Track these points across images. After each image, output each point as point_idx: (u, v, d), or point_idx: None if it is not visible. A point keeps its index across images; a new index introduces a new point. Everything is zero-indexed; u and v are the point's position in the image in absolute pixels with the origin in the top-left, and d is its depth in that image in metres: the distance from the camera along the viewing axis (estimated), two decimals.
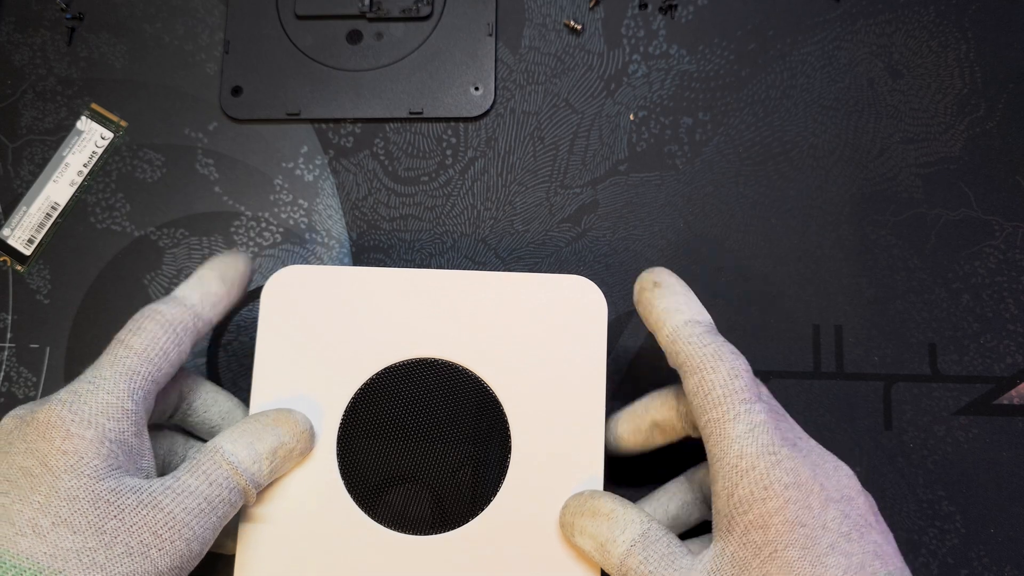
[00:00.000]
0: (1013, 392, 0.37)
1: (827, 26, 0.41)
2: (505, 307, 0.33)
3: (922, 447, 0.37)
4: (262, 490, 0.31)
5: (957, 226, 0.39)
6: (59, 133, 0.41)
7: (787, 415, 0.30)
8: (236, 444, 0.30)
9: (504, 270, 0.39)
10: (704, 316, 0.31)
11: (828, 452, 0.29)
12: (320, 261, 0.39)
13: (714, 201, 0.40)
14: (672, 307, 0.31)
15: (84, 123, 0.41)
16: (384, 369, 0.33)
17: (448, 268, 0.39)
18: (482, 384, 0.33)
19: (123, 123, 0.41)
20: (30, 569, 0.25)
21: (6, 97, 0.41)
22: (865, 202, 0.39)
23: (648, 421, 0.33)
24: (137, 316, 0.30)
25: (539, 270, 0.39)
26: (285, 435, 0.31)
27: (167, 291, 0.39)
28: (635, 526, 0.29)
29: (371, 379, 0.33)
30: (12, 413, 0.29)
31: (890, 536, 0.28)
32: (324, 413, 0.33)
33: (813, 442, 0.29)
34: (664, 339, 0.30)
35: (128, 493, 0.27)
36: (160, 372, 0.30)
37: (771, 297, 0.39)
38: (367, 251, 0.40)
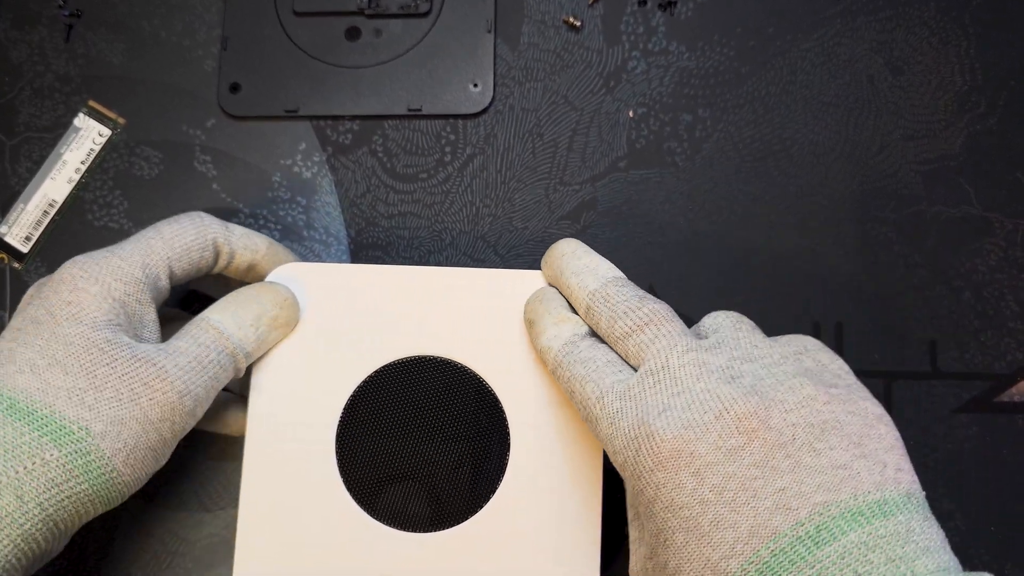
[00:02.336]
0: (1013, 389, 0.37)
1: (827, 23, 0.41)
2: (503, 304, 0.33)
3: (922, 444, 0.37)
4: (253, 362, 0.33)
5: (958, 223, 0.39)
6: (57, 130, 0.41)
7: (673, 346, 0.28)
8: (222, 313, 0.31)
9: (503, 267, 0.39)
10: (567, 332, 0.31)
11: (728, 385, 0.26)
12: (318, 258, 0.39)
13: (714, 198, 0.39)
14: (544, 344, 0.31)
15: (82, 120, 0.41)
16: (383, 367, 0.33)
17: (447, 265, 0.39)
18: (481, 381, 0.33)
19: (121, 120, 0.41)
20: (23, 401, 0.27)
21: (3, 94, 0.41)
22: (865, 199, 0.39)
23: None
24: (182, 214, 0.33)
25: (538, 268, 0.39)
26: (267, 303, 0.32)
27: None
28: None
29: (370, 377, 0.33)
30: (40, 280, 0.31)
31: (835, 449, 0.24)
32: (323, 410, 0.33)
33: (703, 386, 0.26)
34: (552, 372, 0.31)
35: (122, 346, 0.29)
36: (178, 263, 0.32)
37: (771, 294, 0.38)
38: (366, 248, 0.39)
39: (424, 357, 0.33)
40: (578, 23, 0.41)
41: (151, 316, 0.31)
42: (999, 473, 0.37)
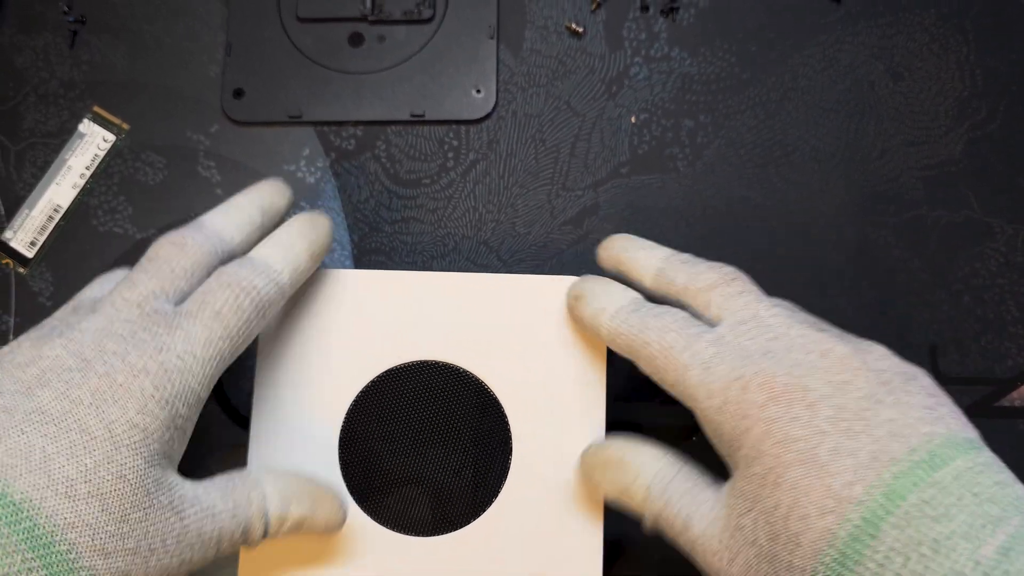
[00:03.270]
0: (1014, 394, 0.37)
1: (828, 28, 0.41)
2: (506, 309, 0.34)
3: None
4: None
5: (958, 228, 0.39)
6: (61, 136, 0.41)
7: (759, 299, 0.29)
8: (274, 488, 0.29)
9: (506, 272, 0.39)
10: (624, 298, 0.31)
11: (821, 333, 0.27)
12: (321, 264, 0.40)
13: (715, 203, 0.40)
14: (597, 308, 0.31)
15: (86, 126, 0.41)
16: (385, 372, 0.33)
17: (450, 271, 0.39)
18: (483, 386, 0.33)
19: (125, 126, 0.41)
20: (45, 528, 0.23)
21: (8, 100, 0.41)
22: (866, 204, 0.39)
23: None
24: (225, 277, 0.28)
25: (541, 272, 0.39)
26: (320, 511, 0.30)
27: None
28: (648, 468, 0.29)
29: (372, 382, 0.33)
30: (110, 311, 0.27)
31: (919, 394, 0.26)
32: (326, 415, 0.33)
33: (798, 332, 0.27)
34: (607, 340, 0.30)
35: (165, 490, 0.26)
36: (237, 355, 0.29)
37: None
38: (369, 253, 0.40)
39: (426, 362, 0.33)
40: (580, 29, 0.41)
41: (191, 427, 0.28)
42: None
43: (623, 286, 0.32)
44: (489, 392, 0.33)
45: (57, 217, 0.40)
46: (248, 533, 0.28)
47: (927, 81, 0.40)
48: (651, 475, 0.29)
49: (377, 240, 0.40)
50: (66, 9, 0.42)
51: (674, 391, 0.29)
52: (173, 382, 0.26)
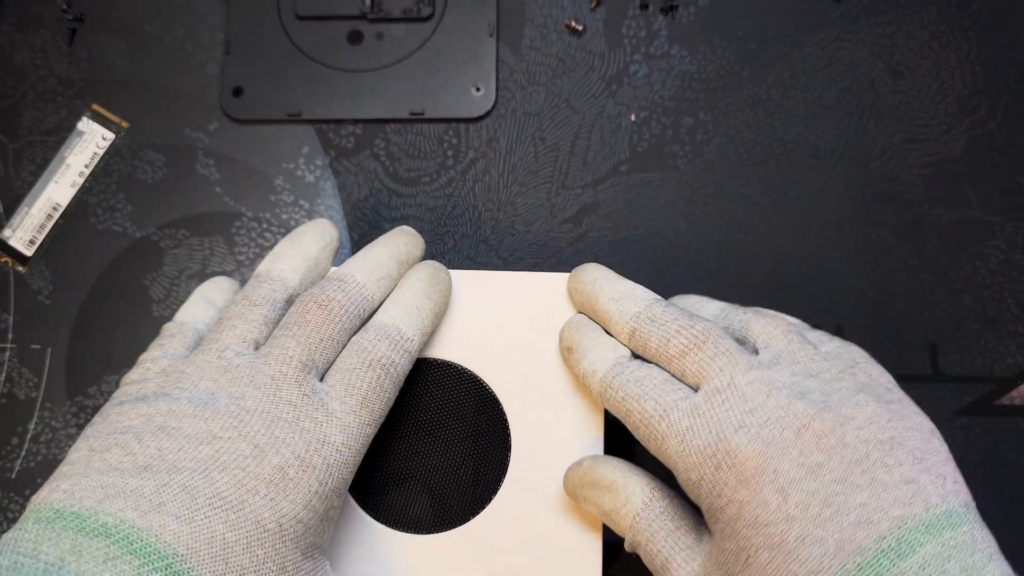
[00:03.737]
0: (1014, 393, 0.37)
1: (828, 26, 0.41)
2: (505, 306, 0.33)
3: None
4: None
5: (958, 226, 0.39)
6: (60, 134, 0.41)
7: (735, 362, 0.28)
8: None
9: (505, 270, 0.39)
10: (612, 356, 0.30)
11: (800, 402, 0.26)
12: None
13: (715, 201, 0.40)
14: (587, 370, 0.30)
15: (85, 124, 0.41)
16: None
17: (449, 269, 0.39)
18: (482, 383, 0.33)
19: (124, 124, 0.41)
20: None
21: (7, 98, 0.41)
22: (866, 202, 0.39)
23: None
24: (367, 355, 0.29)
25: (541, 271, 0.39)
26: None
27: (167, 292, 0.39)
28: (636, 498, 0.29)
29: None
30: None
31: (903, 464, 0.25)
32: None
33: (775, 402, 0.26)
34: (597, 396, 0.30)
35: None
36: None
37: (772, 298, 0.39)
38: None
39: (425, 359, 0.33)
40: (580, 27, 0.41)
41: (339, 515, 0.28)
42: (1001, 476, 0.37)
43: (611, 340, 0.31)
44: (488, 389, 0.33)
45: (56, 215, 0.40)
46: None
47: (927, 79, 0.40)
48: (639, 505, 0.28)
49: (376, 238, 0.40)
50: (65, 7, 0.42)
51: (657, 457, 0.28)
52: (333, 477, 0.26)
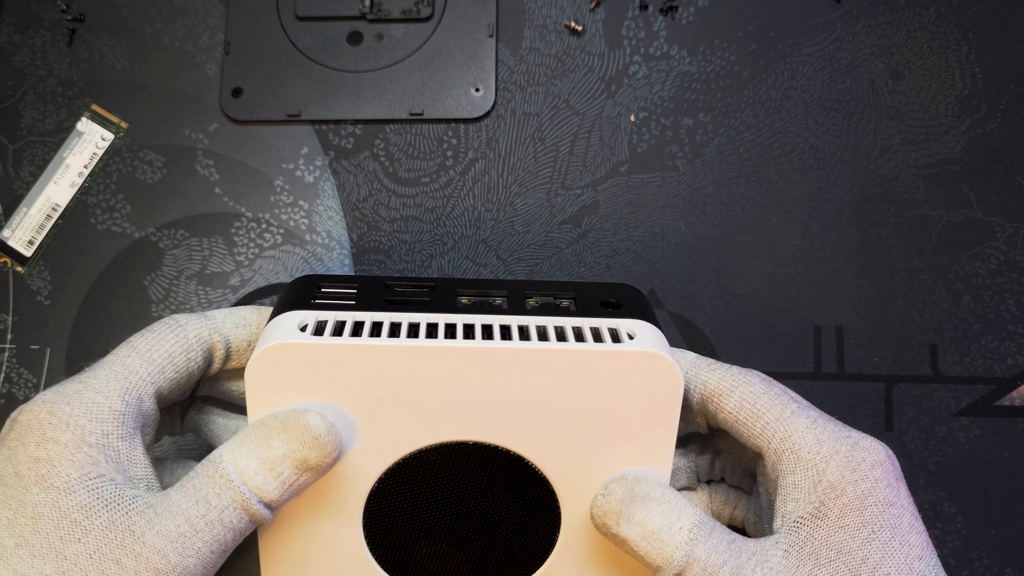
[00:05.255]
0: (1014, 393, 0.37)
1: (828, 27, 0.41)
2: (553, 384, 0.27)
3: (923, 448, 0.37)
4: (279, 515, 0.28)
5: (958, 227, 0.39)
6: (59, 134, 0.41)
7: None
8: (235, 452, 0.26)
9: (505, 271, 0.39)
10: (695, 356, 0.30)
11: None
12: (320, 262, 0.39)
13: (715, 202, 0.40)
14: (679, 353, 0.30)
15: (84, 124, 0.41)
16: (406, 457, 0.28)
17: (449, 269, 0.39)
18: (529, 465, 0.29)
19: (123, 124, 0.41)
20: None
21: (7, 98, 0.41)
22: (866, 203, 0.39)
23: None
24: (156, 323, 0.28)
25: (540, 271, 0.39)
26: (294, 441, 0.26)
27: (166, 293, 0.39)
28: (691, 511, 0.27)
29: (392, 468, 0.28)
30: (12, 414, 0.26)
31: None
32: (344, 505, 0.29)
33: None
34: (685, 373, 0.29)
35: (100, 510, 0.24)
36: (163, 376, 0.27)
37: (772, 298, 0.39)
38: (367, 252, 0.40)
39: (457, 444, 0.28)
40: (579, 28, 0.41)
41: (139, 450, 0.26)
42: (1000, 476, 0.37)
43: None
44: (536, 471, 0.29)
45: (55, 216, 0.40)
46: (230, 509, 0.25)
47: (927, 80, 0.40)
48: (697, 515, 0.26)
49: (376, 239, 0.40)
50: (64, 8, 0.42)
51: (762, 440, 0.28)
52: (71, 402, 0.25)
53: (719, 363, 0.30)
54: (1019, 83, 0.40)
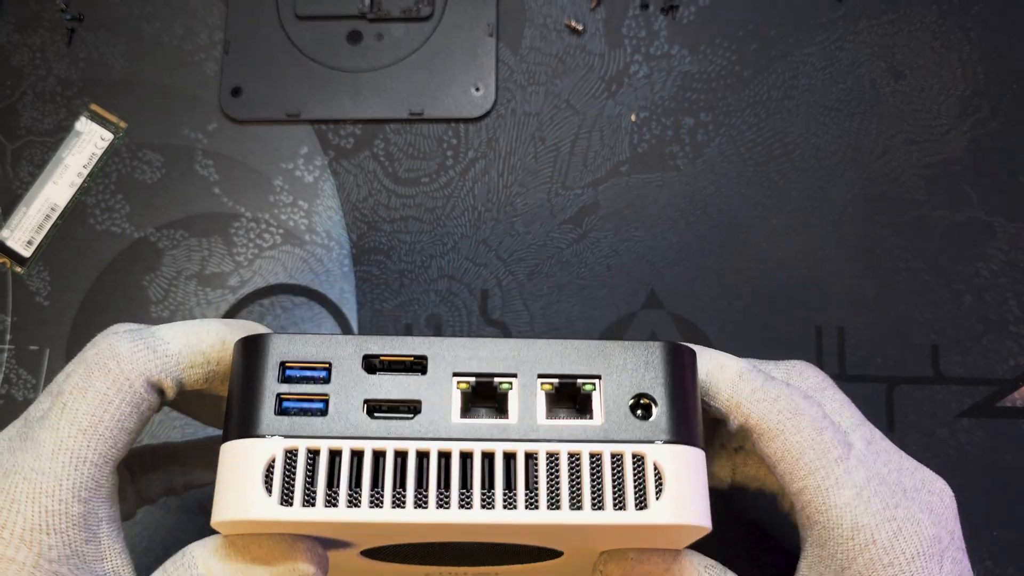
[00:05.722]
0: (1016, 394, 0.37)
1: (829, 27, 0.41)
2: (561, 534, 0.23)
3: (925, 450, 0.37)
4: None
5: (960, 227, 0.39)
6: (58, 134, 0.41)
7: (863, 424, 0.26)
8: (211, 563, 0.23)
9: (505, 271, 0.39)
10: (752, 362, 0.27)
11: (916, 463, 0.26)
12: (320, 263, 0.39)
13: (716, 202, 0.39)
14: (712, 355, 0.26)
15: (83, 124, 0.41)
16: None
17: (448, 269, 0.39)
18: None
19: (122, 124, 0.41)
20: None
21: (5, 98, 0.41)
22: (867, 203, 0.39)
23: None
24: (88, 359, 0.23)
25: (540, 271, 0.39)
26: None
27: (166, 293, 0.39)
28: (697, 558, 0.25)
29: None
30: None
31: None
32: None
33: (904, 458, 0.26)
34: (725, 401, 0.25)
35: None
36: (116, 448, 0.23)
37: (773, 299, 0.38)
38: (367, 252, 0.39)
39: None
40: (580, 27, 0.41)
41: (107, 543, 0.23)
42: (1002, 478, 0.36)
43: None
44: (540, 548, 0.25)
45: (54, 216, 0.40)
46: None
47: (929, 79, 0.40)
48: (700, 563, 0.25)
49: (375, 239, 0.40)
50: (63, 7, 0.42)
51: (797, 500, 0.25)
52: (23, 512, 0.22)
53: (765, 382, 0.25)
54: (1021, 82, 0.40)
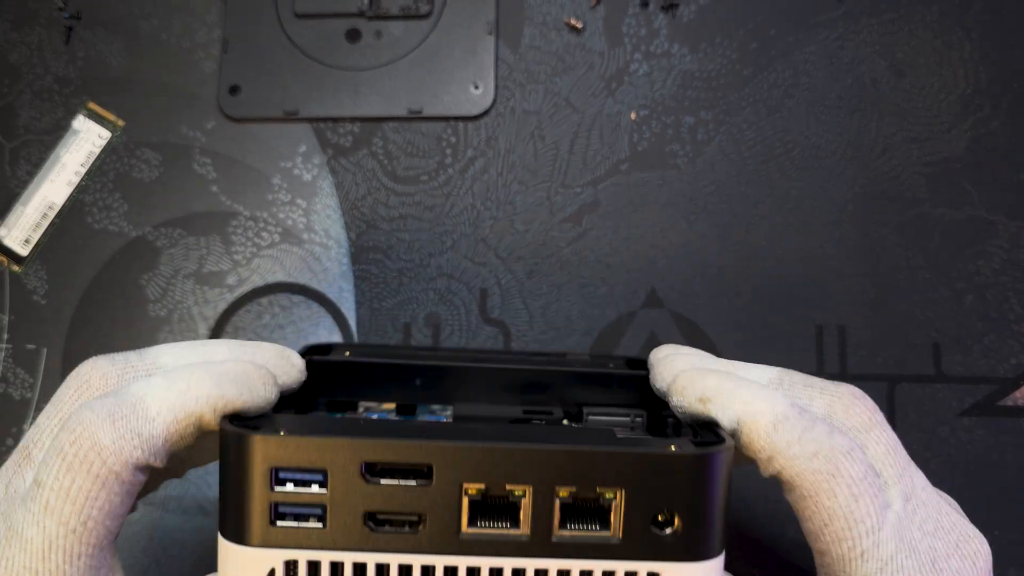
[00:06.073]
0: (1017, 393, 0.37)
1: (830, 25, 0.41)
2: None
3: (926, 448, 0.37)
4: None
5: (961, 226, 0.39)
6: (56, 132, 0.41)
7: (906, 472, 0.25)
8: None
9: (505, 270, 0.39)
10: (791, 397, 0.24)
11: (963, 520, 0.25)
12: (318, 261, 0.39)
13: (716, 200, 0.39)
14: (746, 399, 0.23)
15: (81, 122, 0.41)
16: None
17: (448, 268, 0.39)
18: None
19: (120, 122, 0.41)
20: None
21: (3, 96, 0.41)
22: (868, 201, 0.39)
23: None
24: (66, 450, 0.21)
25: (540, 270, 0.39)
26: None
27: (163, 292, 0.39)
28: None
29: None
30: None
31: None
32: None
33: (943, 514, 0.24)
34: (757, 452, 0.23)
35: None
36: (110, 533, 0.22)
37: (774, 298, 0.38)
38: (366, 251, 0.39)
39: None
40: (580, 25, 0.41)
41: None
42: (1003, 477, 0.36)
43: (758, 367, 0.25)
44: None
45: (52, 215, 0.40)
46: None
47: (929, 77, 0.40)
48: None
49: (374, 238, 0.39)
50: (61, 5, 0.41)
51: (819, 557, 0.24)
52: None
53: (802, 433, 0.23)
54: (1022, 81, 0.40)
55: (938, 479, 0.36)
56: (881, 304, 0.38)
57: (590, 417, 0.29)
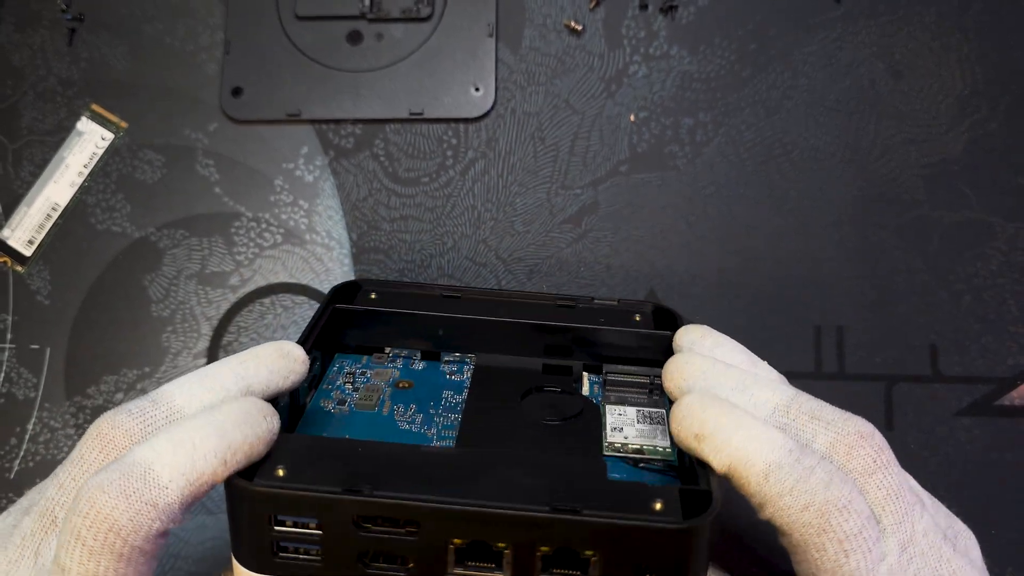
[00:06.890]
0: (1015, 393, 0.37)
1: (828, 26, 0.41)
2: None
3: (923, 448, 0.37)
4: None
5: (959, 227, 0.39)
6: (59, 134, 0.41)
7: (907, 518, 0.24)
8: None
9: (505, 271, 0.39)
10: (789, 439, 0.23)
11: (958, 565, 0.24)
12: (320, 262, 0.39)
13: (715, 202, 0.39)
14: (739, 444, 0.23)
15: (84, 124, 0.41)
16: None
17: (448, 269, 0.39)
18: None
19: (123, 124, 0.41)
20: None
21: (6, 98, 0.41)
22: (866, 203, 0.39)
23: None
24: (83, 535, 0.21)
25: (540, 271, 0.39)
26: None
27: (166, 292, 0.39)
28: None
29: None
30: None
31: None
32: None
33: (942, 560, 0.24)
34: (750, 496, 0.23)
35: None
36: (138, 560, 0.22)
37: (773, 298, 0.38)
38: (367, 252, 0.40)
39: None
40: (579, 27, 0.41)
41: None
42: (1001, 477, 0.37)
43: (772, 384, 0.25)
44: None
45: (55, 215, 0.40)
46: None
47: (927, 79, 0.40)
48: None
49: (375, 238, 0.40)
50: (64, 7, 0.42)
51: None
52: None
53: (795, 483, 0.22)
54: (1020, 83, 0.40)
55: (936, 478, 0.37)
56: (879, 305, 0.38)
57: (609, 376, 0.30)
